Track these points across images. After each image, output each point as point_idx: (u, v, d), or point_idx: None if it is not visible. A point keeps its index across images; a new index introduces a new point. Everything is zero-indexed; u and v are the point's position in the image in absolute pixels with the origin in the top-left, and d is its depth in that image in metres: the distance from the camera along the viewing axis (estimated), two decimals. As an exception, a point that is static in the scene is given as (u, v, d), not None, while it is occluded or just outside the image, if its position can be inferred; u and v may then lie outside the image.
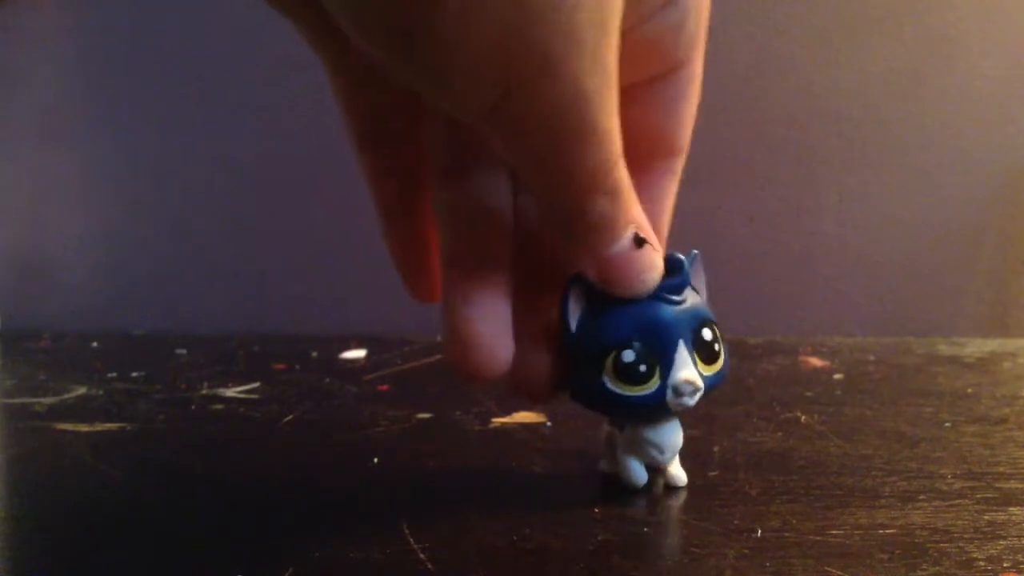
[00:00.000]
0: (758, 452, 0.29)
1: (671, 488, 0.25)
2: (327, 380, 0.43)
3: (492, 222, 0.23)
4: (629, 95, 0.22)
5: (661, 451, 0.25)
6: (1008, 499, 0.24)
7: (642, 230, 0.22)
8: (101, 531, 0.24)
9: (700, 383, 0.23)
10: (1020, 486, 0.25)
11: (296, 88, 0.58)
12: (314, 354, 0.49)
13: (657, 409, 0.23)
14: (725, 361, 0.24)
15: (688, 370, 0.23)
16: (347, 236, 0.59)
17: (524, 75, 0.17)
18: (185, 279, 0.62)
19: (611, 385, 0.23)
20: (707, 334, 0.23)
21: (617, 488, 0.25)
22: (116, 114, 0.61)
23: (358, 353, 0.49)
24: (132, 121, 0.61)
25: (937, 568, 0.20)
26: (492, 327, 0.22)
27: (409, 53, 0.16)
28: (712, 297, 0.25)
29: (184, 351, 0.51)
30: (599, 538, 0.22)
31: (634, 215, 0.21)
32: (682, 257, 0.23)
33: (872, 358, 0.46)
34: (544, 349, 0.23)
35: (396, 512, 0.24)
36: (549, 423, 0.33)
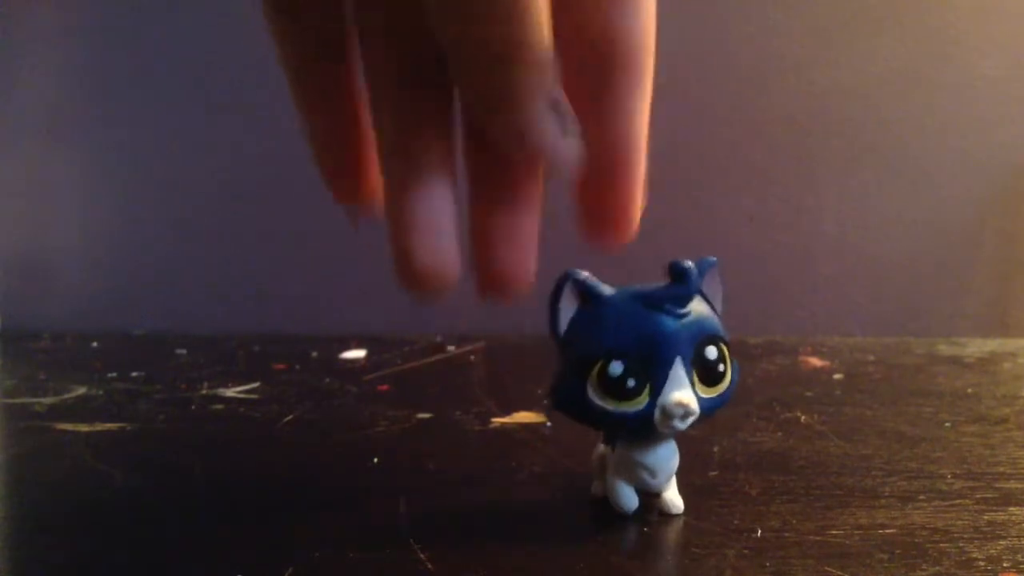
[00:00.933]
0: (758, 452, 0.29)
1: (665, 515, 0.23)
2: (327, 380, 0.43)
3: (434, 110, 0.21)
4: None
5: (653, 475, 0.22)
6: (1008, 499, 0.24)
7: (560, 106, 0.19)
8: (101, 531, 0.24)
9: (695, 407, 0.21)
10: (1020, 486, 0.25)
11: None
12: (314, 354, 0.49)
13: (643, 429, 0.21)
14: (732, 383, 0.22)
15: (682, 391, 0.21)
16: (347, 236, 0.59)
17: None
18: (185, 279, 0.62)
19: (594, 397, 0.21)
20: (711, 352, 0.21)
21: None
22: (116, 114, 0.61)
23: (358, 353, 0.49)
24: (132, 121, 0.61)
25: (937, 568, 0.20)
26: (436, 217, 0.20)
27: None
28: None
29: (184, 351, 0.51)
30: (599, 538, 0.22)
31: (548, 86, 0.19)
32: (689, 264, 0.21)
33: (872, 358, 0.46)
34: (508, 243, 0.21)
35: (396, 512, 0.24)
36: (549, 423, 0.33)
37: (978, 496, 0.24)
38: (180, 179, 0.61)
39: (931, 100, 0.57)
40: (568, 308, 0.22)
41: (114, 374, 0.44)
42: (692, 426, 0.22)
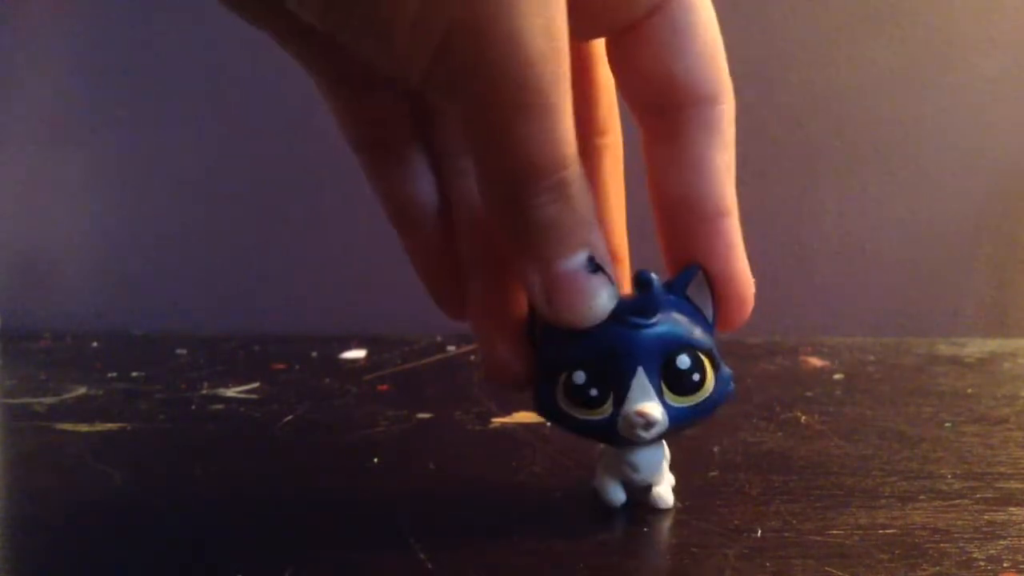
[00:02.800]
0: (758, 452, 0.29)
1: (655, 510, 0.23)
2: (327, 380, 0.43)
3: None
4: (621, 41, 0.21)
5: (636, 470, 0.23)
6: (1008, 499, 0.24)
7: (598, 257, 0.20)
8: (101, 531, 0.24)
9: (657, 417, 0.21)
10: (1020, 486, 0.25)
11: (297, 89, 0.58)
12: (314, 354, 0.49)
13: (610, 437, 0.22)
14: (715, 391, 0.22)
15: (644, 402, 0.21)
16: (347, 236, 0.59)
17: (458, 24, 0.16)
18: (185, 279, 0.62)
19: (564, 405, 0.22)
20: (683, 362, 0.21)
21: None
22: (116, 114, 0.61)
23: (358, 353, 0.49)
24: (132, 121, 0.61)
25: (937, 568, 0.20)
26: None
27: (349, 9, 0.16)
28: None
29: (184, 351, 0.51)
30: (599, 538, 0.22)
31: (590, 238, 0.19)
32: (651, 275, 0.21)
33: (872, 358, 0.46)
34: (511, 340, 0.23)
35: (396, 512, 0.24)
36: (549, 423, 0.33)
37: (978, 496, 0.24)
38: (180, 179, 0.61)
39: (931, 100, 0.57)
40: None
41: (114, 374, 0.44)
42: (669, 434, 0.22)
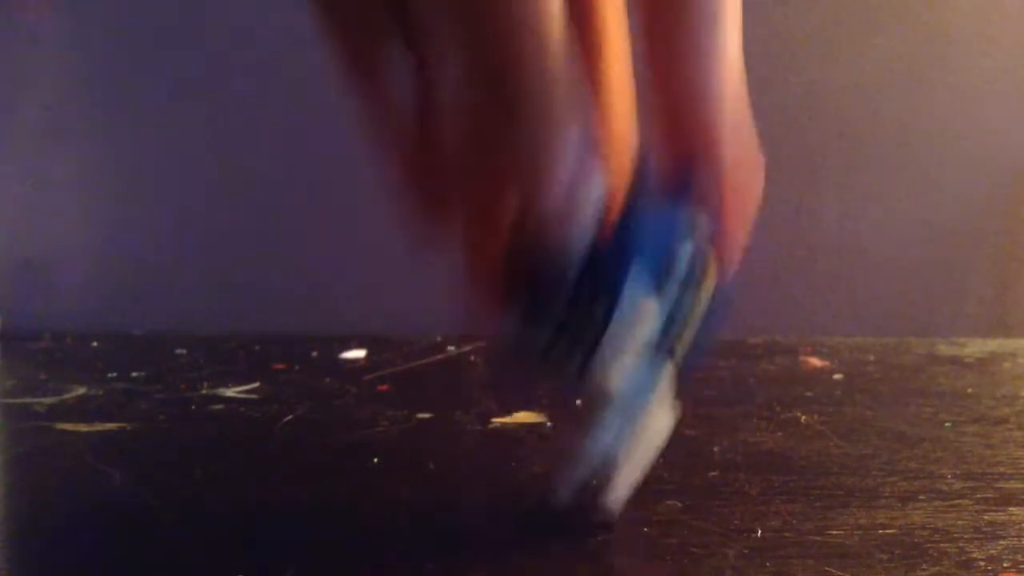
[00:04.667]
0: (758, 452, 0.29)
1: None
2: (327, 380, 0.43)
3: None
4: None
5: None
6: (1008, 499, 0.24)
7: (589, 141, 0.18)
8: (101, 531, 0.24)
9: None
10: (1020, 486, 0.25)
11: (297, 89, 0.58)
12: (314, 354, 0.49)
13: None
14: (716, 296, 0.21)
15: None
16: (348, 236, 0.59)
17: None
18: (185, 279, 0.62)
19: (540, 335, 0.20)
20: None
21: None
22: (116, 114, 0.61)
23: (358, 353, 0.49)
24: (132, 121, 0.61)
25: (937, 568, 0.20)
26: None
27: None
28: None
29: (184, 351, 0.51)
30: (599, 538, 0.22)
31: (581, 119, 0.18)
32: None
33: (872, 358, 0.46)
34: (494, 271, 0.20)
35: (396, 512, 0.24)
36: (549, 423, 0.33)
37: (978, 496, 0.24)
38: (180, 179, 0.61)
39: (931, 100, 0.57)
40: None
41: (114, 374, 0.44)
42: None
